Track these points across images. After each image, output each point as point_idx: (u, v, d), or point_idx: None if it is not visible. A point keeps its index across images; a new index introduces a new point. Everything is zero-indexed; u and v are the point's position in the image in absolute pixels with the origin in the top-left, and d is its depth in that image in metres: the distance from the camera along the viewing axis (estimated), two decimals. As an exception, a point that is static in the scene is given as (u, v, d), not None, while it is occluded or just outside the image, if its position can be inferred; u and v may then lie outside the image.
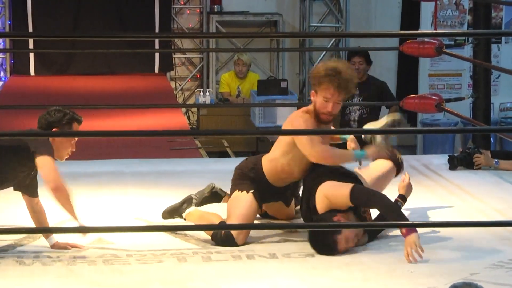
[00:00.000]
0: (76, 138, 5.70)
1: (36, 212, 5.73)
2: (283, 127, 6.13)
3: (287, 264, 5.33)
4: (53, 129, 5.58)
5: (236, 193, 5.87)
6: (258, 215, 6.07)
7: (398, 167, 6.21)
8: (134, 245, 5.62)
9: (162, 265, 5.34)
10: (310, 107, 5.85)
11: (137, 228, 5.88)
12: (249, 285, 5.02)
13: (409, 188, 5.97)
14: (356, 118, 9.90)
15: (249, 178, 5.91)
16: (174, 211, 6.07)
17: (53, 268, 5.25)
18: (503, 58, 13.75)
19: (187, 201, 6.01)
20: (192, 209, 6.02)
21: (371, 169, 6.13)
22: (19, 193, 5.72)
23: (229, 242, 5.62)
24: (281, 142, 5.89)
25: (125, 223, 6.05)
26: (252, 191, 5.83)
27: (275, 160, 5.91)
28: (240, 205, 5.82)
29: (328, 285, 5.02)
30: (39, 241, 5.67)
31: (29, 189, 5.71)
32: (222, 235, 5.65)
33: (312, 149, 5.68)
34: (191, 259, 5.42)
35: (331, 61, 6.00)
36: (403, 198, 5.92)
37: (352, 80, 5.76)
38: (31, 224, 5.82)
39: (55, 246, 5.54)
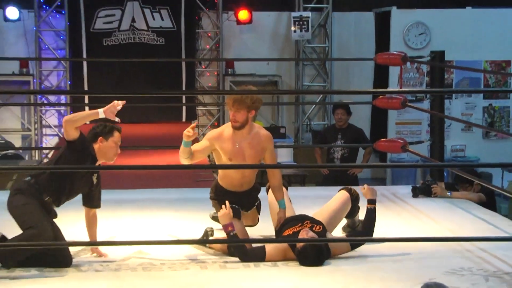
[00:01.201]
0: (119, 143, 5.73)
1: (90, 222, 5.73)
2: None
3: (285, 272, 5.32)
4: (99, 138, 5.69)
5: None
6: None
7: (354, 203, 6.09)
8: (166, 255, 5.62)
9: (187, 271, 5.33)
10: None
11: (169, 242, 5.89)
12: (255, 287, 5.02)
13: (372, 191, 5.95)
14: (339, 157, 9.89)
15: (218, 199, 5.90)
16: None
17: (103, 274, 5.25)
18: (453, 110, 13.78)
19: (205, 235, 5.91)
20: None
21: (328, 206, 6.01)
22: (77, 212, 5.74)
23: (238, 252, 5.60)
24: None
25: (160, 238, 6.05)
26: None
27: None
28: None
29: (316, 287, 5.02)
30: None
31: (88, 199, 5.75)
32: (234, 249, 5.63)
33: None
34: (211, 267, 5.42)
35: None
36: (372, 201, 5.90)
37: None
38: (86, 239, 5.84)
39: (93, 251, 5.61)
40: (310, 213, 5.89)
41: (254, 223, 6.16)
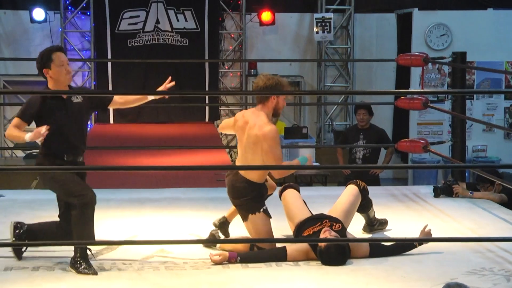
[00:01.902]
0: (65, 61, 5.51)
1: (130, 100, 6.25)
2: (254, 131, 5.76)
3: (307, 271, 5.30)
4: (43, 70, 5.51)
5: (251, 216, 5.70)
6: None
7: (364, 194, 6.06)
8: (188, 254, 5.61)
9: (210, 270, 5.32)
10: (266, 112, 5.79)
11: (191, 241, 5.88)
12: (276, 286, 5.00)
13: (427, 234, 5.80)
14: (361, 157, 9.88)
15: (251, 195, 5.73)
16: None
17: (125, 273, 5.25)
18: (475, 111, 13.71)
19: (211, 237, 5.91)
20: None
21: (340, 202, 5.97)
22: (101, 212, 5.73)
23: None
24: (255, 149, 5.71)
25: (181, 237, 6.05)
26: (262, 209, 5.70)
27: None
28: (259, 227, 5.69)
29: (338, 286, 4.99)
30: (115, 252, 5.67)
31: (101, 105, 5.95)
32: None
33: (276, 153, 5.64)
34: (233, 266, 5.40)
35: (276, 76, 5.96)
36: (420, 243, 5.76)
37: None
38: (109, 238, 5.84)
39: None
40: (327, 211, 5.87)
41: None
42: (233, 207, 5.92)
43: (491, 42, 13.78)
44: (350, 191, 5.99)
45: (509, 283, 5.02)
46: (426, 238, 5.76)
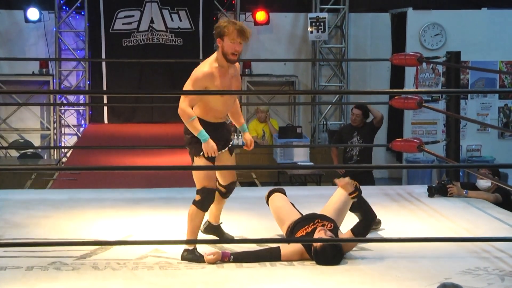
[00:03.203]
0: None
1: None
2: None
3: (301, 270, 5.29)
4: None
5: (196, 159, 5.65)
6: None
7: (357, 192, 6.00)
8: (183, 254, 5.61)
9: (204, 270, 5.31)
10: (214, 56, 5.63)
11: (185, 241, 5.87)
12: (271, 286, 4.99)
13: (348, 185, 5.82)
14: (357, 153, 9.97)
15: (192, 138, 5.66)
16: None
17: (120, 272, 5.24)
18: (469, 111, 13.72)
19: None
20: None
21: (332, 201, 5.95)
22: (96, 210, 5.70)
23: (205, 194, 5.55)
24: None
25: (176, 237, 6.04)
26: (201, 153, 5.59)
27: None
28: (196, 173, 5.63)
29: (333, 286, 4.99)
30: (109, 252, 5.67)
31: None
32: (201, 198, 5.55)
33: (182, 103, 5.66)
34: (227, 266, 5.39)
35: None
36: (354, 192, 5.80)
37: (245, 27, 5.58)
38: (103, 238, 5.82)
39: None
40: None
41: (234, 178, 5.92)
42: (212, 208, 5.85)
43: (485, 42, 13.80)
44: (342, 191, 5.99)
45: (503, 282, 5.02)
46: (422, 238, 5.76)
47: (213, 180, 5.64)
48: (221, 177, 5.84)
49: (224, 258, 5.43)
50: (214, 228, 5.97)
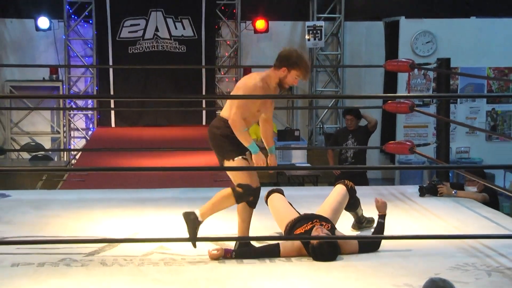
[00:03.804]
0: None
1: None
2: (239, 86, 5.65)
3: (299, 266, 5.30)
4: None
5: (229, 162, 5.51)
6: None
7: (351, 193, 6.06)
8: (186, 251, 5.59)
9: (207, 266, 5.32)
10: (267, 73, 5.56)
11: (189, 238, 5.87)
12: (271, 282, 5.00)
13: (384, 206, 5.89)
14: (352, 155, 9.98)
15: (230, 140, 5.53)
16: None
17: (127, 268, 5.25)
18: (459, 114, 13.75)
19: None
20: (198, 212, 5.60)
21: (328, 201, 5.97)
22: (103, 209, 5.69)
23: (248, 191, 5.47)
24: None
25: (180, 235, 6.04)
26: (240, 156, 5.52)
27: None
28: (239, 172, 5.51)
29: (329, 282, 4.99)
30: (116, 249, 5.68)
31: None
32: (242, 191, 5.46)
33: (235, 115, 5.48)
34: (228, 262, 5.40)
35: (303, 53, 5.63)
36: (383, 216, 5.86)
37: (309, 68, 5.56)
38: (111, 235, 5.83)
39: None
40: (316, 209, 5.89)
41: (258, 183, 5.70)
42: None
43: (474, 49, 13.83)
44: (338, 191, 6.01)
45: (490, 277, 5.03)
46: (413, 235, 5.77)
47: (257, 179, 5.58)
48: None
49: (227, 255, 5.44)
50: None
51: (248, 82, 5.56)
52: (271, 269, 5.25)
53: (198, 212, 5.52)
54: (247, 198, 5.53)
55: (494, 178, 12.36)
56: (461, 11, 14.54)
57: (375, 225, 5.89)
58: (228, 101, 5.75)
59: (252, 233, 5.87)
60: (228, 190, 5.52)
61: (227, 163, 5.56)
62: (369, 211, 6.19)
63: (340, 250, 5.50)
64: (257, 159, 5.51)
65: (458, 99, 13.96)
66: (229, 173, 5.66)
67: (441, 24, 13.95)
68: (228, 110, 5.60)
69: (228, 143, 5.58)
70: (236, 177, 5.54)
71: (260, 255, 5.47)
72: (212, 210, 5.57)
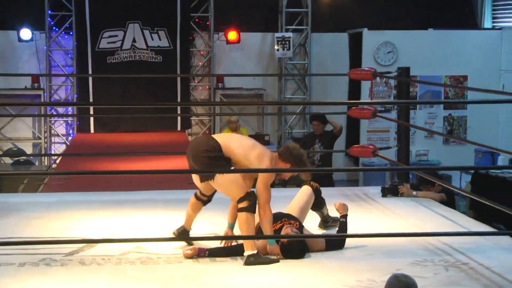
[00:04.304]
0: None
1: None
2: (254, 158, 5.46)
3: (270, 264, 5.28)
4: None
5: (223, 176, 5.34)
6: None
7: (317, 193, 6.06)
8: (162, 250, 5.57)
9: (181, 264, 5.29)
10: (276, 161, 5.50)
11: (164, 238, 5.84)
12: (243, 278, 4.99)
13: (344, 207, 5.90)
14: (319, 158, 10.02)
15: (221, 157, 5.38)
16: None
17: (105, 267, 5.20)
18: (418, 119, 13.82)
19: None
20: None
21: (295, 201, 5.95)
22: (82, 212, 5.63)
23: (252, 197, 5.34)
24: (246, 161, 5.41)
25: (156, 235, 6.01)
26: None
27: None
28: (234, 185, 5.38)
29: (298, 279, 4.98)
30: (95, 249, 5.62)
31: None
32: (251, 202, 5.32)
33: (265, 192, 5.34)
34: (202, 260, 5.37)
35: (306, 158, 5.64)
36: (344, 216, 5.86)
37: None
38: (90, 236, 5.78)
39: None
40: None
41: (214, 189, 5.69)
42: (189, 213, 5.78)
43: (431, 58, 13.91)
44: (304, 191, 6.01)
45: (447, 272, 5.05)
46: (376, 234, 5.78)
47: (250, 184, 5.47)
48: (206, 188, 5.70)
49: (200, 253, 5.41)
50: (187, 233, 5.78)
51: (266, 162, 5.43)
52: (243, 266, 5.23)
53: (248, 253, 5.27)
54: (256, 203, 5.38)
55: (451, 179, 12.42)
56: (419, 24, 14.64)
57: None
58: (242, 148, 5.48)
59: (223, 232, 5.84)
60: (242, 215, 5.33)
61: (220, 176, 5.36)
62: (334, 211, 6.18)
63: (308, 248, 5.49)
64: (272, 250, 5.42)
65: (417, 105, 14.03)
66: (223, 189, 5.48)
67: (401, 36, 14.02)
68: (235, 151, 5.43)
69: (217, 162, 5.40)
70: (233, 190, 5.39)
71: (232, 254, 5.45)
72: (250, 237, 5.35)
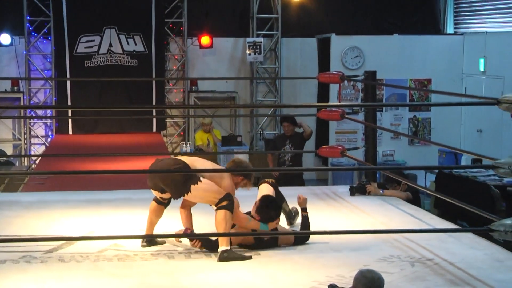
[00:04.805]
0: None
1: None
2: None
3: (243, 261, 5.28)
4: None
5: (197, 186, 5.41)
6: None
7: (274, 187, 6.09)
8: (138, 247, 5.55)
9: (157, 261, 5.27)
10: (229, 176, 5.61)
11: (140, 236, 5.81)
12: (216, 274, 4.98)
13: (305, 201, 5.91)
14: (289, 159, 10.01)
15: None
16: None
17: (83, 264, 5.18)
18: (384, 121, 13.87)
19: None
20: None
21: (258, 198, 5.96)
22: (61, 211, 5.57)
23: (229, 197, 5.44)
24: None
25: (133, 233, 5.98)
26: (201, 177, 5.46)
27: None
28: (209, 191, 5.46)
29: (270, 274, 4.99)
30: (73, 246, 5.58)
31: None
32: (228, 202, 5.39)
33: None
34: (177, 257, 5.37)
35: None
36: (305, 209, 5.88)
37: None
38: (68, 234, 5.73)
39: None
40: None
41: None
42: (151, 221, 5.70)
43: (397, 63, 14.00)
44: (264, 189, 6.01)
45: (413, 268, 5.08)
46: (344, 230, 5.79)
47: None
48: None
49: (187, 231, 5.56)
50: (154, 241, 5.67)
51: (227, 178, 5.59)
52: (217, 263, 5.23)
53: (222, 248, 5.29)
54: (233, 203, 5.43)
55: (416, 178, 12.49)
56: (385, 29, 14.74)
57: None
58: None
59: (198, 229, 5.83)
60: (221, 213, 5.35)
61: (195, 187, 5.41)
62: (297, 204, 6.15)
63: (278, 241, 5.53)
64: (252, 225, 5.56)
65: (384, 108, 14.09)
66: (199, 199, 5.53)
67: (368, 40, 14.09)
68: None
69: (185, 176, 5.46)
70: (210, 196, 5.43)
71: (208, 247, 5.46)
72: (225, 235, 5.35)
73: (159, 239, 5.68)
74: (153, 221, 5.70)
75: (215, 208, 5.44)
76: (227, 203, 5.38)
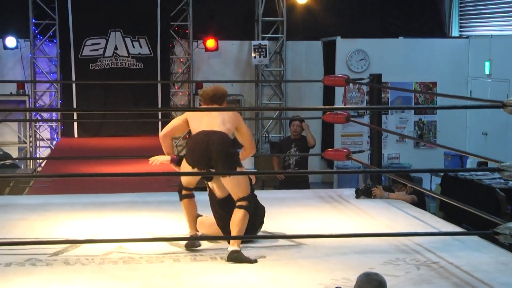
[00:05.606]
0: None
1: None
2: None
3: (247, 265, 5.27)
4: None
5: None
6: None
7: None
8: (143, 250, 5.54)
9: (162, 264, 5.27)
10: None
11: (146, 239, 5.82)
12: (222, 277, 4.98)
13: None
14: (294, 162, 9.99)
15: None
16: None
17: (88, 267, 5.17)
18: (389, 124, 13.88)
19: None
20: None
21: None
22: (66, 214, 5.58)
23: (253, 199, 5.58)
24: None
25: (138, 236, 5.98)
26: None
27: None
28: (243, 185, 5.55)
29: (274, 277, 4.98)
30: (79, 249, 5.59)
31: None
32: (250, 203, 5.48)
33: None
34: (183, 260, 5.36)
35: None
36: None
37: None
38: (74, 237, 5.74)
39: None
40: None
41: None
42: (192, 216, 5.73)
43: (402, 66, 14.00)
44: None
45: (419, 271, 5.07)
46: (350, 234, 5.79)
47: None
48: (191, 182, 5.81)
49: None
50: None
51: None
52: (222, 266, 5.23)
53: (233, 248, 5.29)
54: (253, 205, 5.55)
55: (421, 181, 12.48)
56: (390, 32, 14.74)
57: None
58: (221, 118, 6.09)
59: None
60: (241, 212, 5.41)
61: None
62: (310, 212, 6.19)
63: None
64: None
65: (389, 111, 14.11)
66: (232, 184, 5.56)
67: (373, 44, 14.09)
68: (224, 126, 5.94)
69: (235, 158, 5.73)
70: (241, 186, 5.54)
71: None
72: (242, 234, 5.43)
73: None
74: (193, 215, 5.73)
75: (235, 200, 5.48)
76: (248, 204, 5.45)
